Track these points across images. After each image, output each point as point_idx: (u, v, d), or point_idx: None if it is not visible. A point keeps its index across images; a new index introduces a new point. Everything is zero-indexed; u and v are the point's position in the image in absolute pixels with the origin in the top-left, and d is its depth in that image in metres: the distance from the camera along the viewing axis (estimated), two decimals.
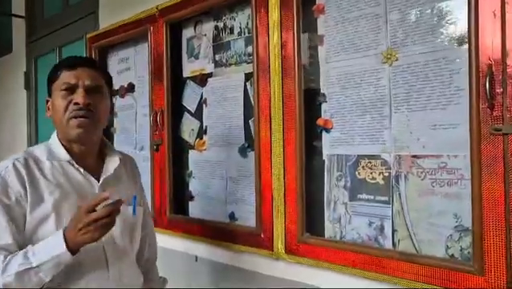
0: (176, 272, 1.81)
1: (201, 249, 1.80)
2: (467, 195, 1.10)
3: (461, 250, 1.13)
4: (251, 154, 1.63)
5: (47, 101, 1.25)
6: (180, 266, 1.86)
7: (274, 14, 1.46)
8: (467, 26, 1.07)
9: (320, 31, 1.42)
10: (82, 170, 1.21)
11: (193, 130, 1.89)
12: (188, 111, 1.91)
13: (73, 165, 1.21)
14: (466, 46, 1.09)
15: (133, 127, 2.21)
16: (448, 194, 1.15)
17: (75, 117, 1.17)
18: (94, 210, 1.06)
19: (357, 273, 1.28)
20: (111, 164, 1.28)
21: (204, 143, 1.84)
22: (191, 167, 1.91)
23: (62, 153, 1.21)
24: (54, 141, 1.23)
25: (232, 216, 1.73)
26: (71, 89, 1.18)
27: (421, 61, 1.19)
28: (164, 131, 1.91)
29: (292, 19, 1.42)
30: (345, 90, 1.36)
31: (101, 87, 1.23)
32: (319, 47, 1.42)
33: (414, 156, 1.21)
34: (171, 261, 1.80)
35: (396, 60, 1.24)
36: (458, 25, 1.12)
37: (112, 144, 2.32)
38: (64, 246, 1.05)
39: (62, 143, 1.22)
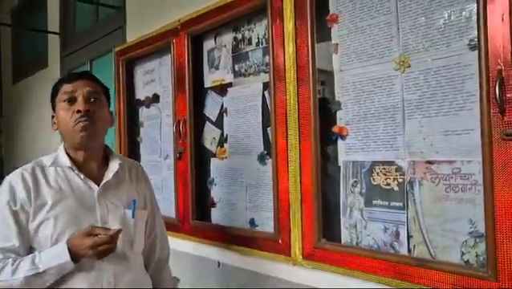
0: (199, 277, 1.85)
1: (222, 255, 1.84)
2: (481, 200, 1.10)
3: (476, 256, 1.12)
4: (270, 161, 1.66)
5: (53, 116, 1.37)
6: (203, 271, 1.91)
7: (289, 25, 1.50)
8: (476, 32, 1.07)
9: (334, 40, 1.44)
10: (82, 176, 1.31)
11: (214, 138, 1.95)
12: (210, 120, 1.96)
13: (73, 171, 1.31)
14: (477, 51, 1.09)
15: (158, 136, 2.29)
16: (462, 200, 1.15)
17: (79, 122, 1.27)
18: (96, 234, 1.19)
19: (373, 279, 1.28)
20: (112, 169, 1.36)
21: (225, 151, 1.89)
22: (213, 174, 1.96)
23: (65, 160, 1.32)
24: (60, 150, 1.35)
25: (252, 222, 1.76)
26: (71, 100, 1.29)
27: (433, 67, 1.20)
28: (187, 139, 1.98)
29: (306, 29, 1.45)
30: (359, 97, 1.38)
31: (99, 95, 1.34)
32: (334, 56, 1.45)
33: (428, 162, 1.22)
34: (194, 266, 1.85)
35: (409, 67, 1.25)
36: (469, 30, 1.13)
37: (139, 153, 2.41)
38: (68, 257, 1.18)
39: (68, 151, 1.34)
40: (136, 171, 1.47)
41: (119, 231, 1.20)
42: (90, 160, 1.34)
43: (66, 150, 1.34)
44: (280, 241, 1.54)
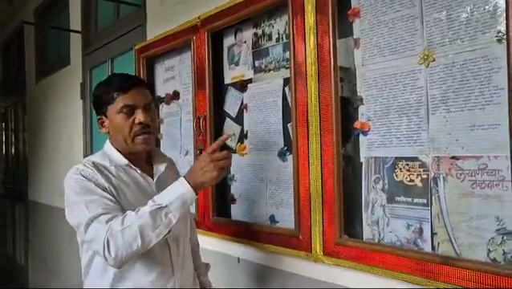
0: (219, 273, 1.86)
1: (242, 251, 1.85)
2: (509, 197, 1.07)
3: (503, 254, 1.10)
4: (290, 158, 1.65)
5: (99, 119, 1.39)
6: (223, 267, 1.91)
7: (310, 20, 1.49)
8: (505, 23, 1.04)
9: (356, 35, 1.43)
10: (139, 171, 1.39)
11: (234, 135, 1.95)
12: (230, 117, 1.97)
13: (131, 167, 1.38)
14: (505, 44, 1.06)
15: (178, 132, 2.31)
16: (489, 196, 1.12)
17: (140, 134, 1.33)
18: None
19: (396, 276, 1.27)
20: (161, 165, 1.44)
21: (245, 147, 1.89)
22: (233, 170, 1.96)
23: (121, 159, 1.38)
24: (111, 149, 1.39)
25: (272, 218, 1.76)
26: (130, 110, 1.32)
27: (459, 61, 1.17)
28: (207, 136, 1.98)
29: (328, 24, 1.43)
30: (382, 92, 1.36)
31: (151, 103, 1.39)
32: (355, 51, 1.43)
33: (453, 158, 1.19)
34: (214, 262, 1.86)
35: (433, 61, 1.23)
36: (496, 22, 1.10)
37: (159, 149, 2.43)
38: (188, 186, 1.21)
39: (119, 150, 1.38)
40: (172, 165, 1.58)
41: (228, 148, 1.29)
42: (139, 158, 1.42)
43: (117, 149, 1.38)
44: (301, 237, 1.54)
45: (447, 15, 1.20)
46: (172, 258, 1.38)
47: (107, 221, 1.17)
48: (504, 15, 1.05)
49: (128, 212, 1.20)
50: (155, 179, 1.40)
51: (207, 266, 1.70)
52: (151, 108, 1.37)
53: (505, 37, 1.06)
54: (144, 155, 1.44)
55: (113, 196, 1.27)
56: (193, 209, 2.07)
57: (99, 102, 1.37)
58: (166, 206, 1.18)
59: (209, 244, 1.93)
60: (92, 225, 1.19)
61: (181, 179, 1.23)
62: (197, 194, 1.23)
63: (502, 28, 1.07)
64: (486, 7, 1.12)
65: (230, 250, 1.90)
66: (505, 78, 1.06)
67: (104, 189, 1.26)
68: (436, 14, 1.22)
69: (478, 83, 1.14)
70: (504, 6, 1.05)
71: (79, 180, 1.27)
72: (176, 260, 1.39)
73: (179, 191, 1.21)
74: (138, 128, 1.32)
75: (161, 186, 1.36)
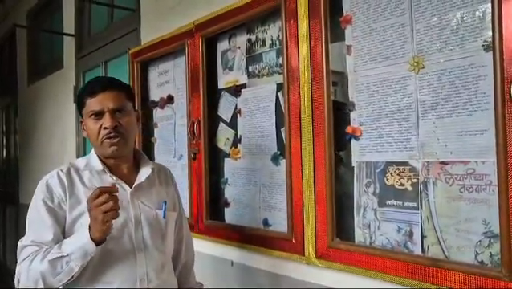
0: (212, 276, 1.88)
1: (236, 254, 1.86)
2: (495, 201, 1.10)
3: (490, 256, 1.13)
4: (283, 162, 1.68)
5: (81, 122, 1.39)
6: (217, 270, 1.93)
7: (303, 26, 1.52)
8: (491, 32, 1.08)
9: (348, 41, 1.46)
10: (114, 178, 1.35)
11: (228, 139, 1.97)
12: (224, 121, 1.99)
13: (106, 173, 1.35)
14: (491, 52, 1.09)
15: (172, 137, 2.32)
16: (476, 200, 1.16)
17: (107, 138, 1.30)
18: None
19: (386, 278, 1.29)
20: (144, 173, 1.40)
21: (238, 151, 1.91)
22: (226, 174, 1.98)
23: (97, 164, 1.36)
24: (93, 155, 1.39)
25: (266, 222, 1.78)
26: (98, 114, 1.31)
27: (447, 68, 1.21)
28: (201, 140, 2.00)
29: (320, 30, 1.46)
30: (373, 98, 1.39)
31: (124, 106, 1.34)
32: (347, 57, 1.46)
33: (442, 163, 1.22)
34: (208, 265, 1.88)
35: (423, 68, 1.26)
36: (483, 31, 1.13)
37: (153, 153, 2.44)
38: (88, 237, 1.19)
39: (99, 156, 1.37)
40: (164, 175, 1.52)
41: (114, 190, 1.19)
42: (120, 164, 1.38)
43: (98, 155, 1.37)
44: (293, 240, 1.56)
45: (436, 24, 1.23)
46: (138, 270, 1.31)
47: (25, 258, 1.24)
48: (490, 25, 1.09)
49: (41, 250, 1.23)
50: (133, 187, 1.35)
51: (200, 286, 1.63)
52: (123, 111, 1.32)
53: (491, 46, 1.09)
54: (128, 161, 1.40)
55: (64, 214, 1.29)
56: (187, 214, 2.08)
57: (77, 106, 1.39)
58: (67, 256, 1.19)
59: (203, 247, 1.94)
60: (21, 252, 1.27)
61: (85, 229, 1.20)
62: (98, 244, 1.19)
63: (489, 37, 1.11)
64: (473, 17, 1.15)
65: (224, 253, 1.92)
66: (491, 85, 1.09)
67: (53, 209, 1.28)
68: (425, 23, 1.25)
69: (466, 90, 1.17)
70: (490, 16, 1.08)
71: (40, 191, 1.32)
72: (144, 272, 1.31)
73: (80, 241, 1.20)
74: (105, 133, 1.30)
75: (142, 195, 1.37)
